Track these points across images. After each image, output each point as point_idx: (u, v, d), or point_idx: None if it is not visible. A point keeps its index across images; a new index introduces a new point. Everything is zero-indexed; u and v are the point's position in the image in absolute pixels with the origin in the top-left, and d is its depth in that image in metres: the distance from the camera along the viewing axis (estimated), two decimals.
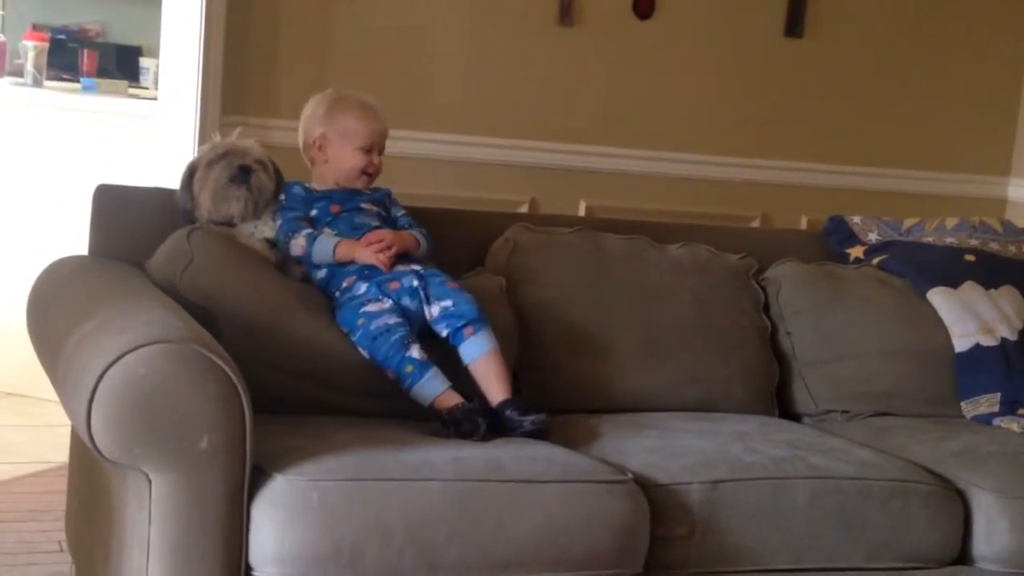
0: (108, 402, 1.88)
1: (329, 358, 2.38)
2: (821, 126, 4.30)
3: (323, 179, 2.67)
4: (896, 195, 4.31)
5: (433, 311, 2.45)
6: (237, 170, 2.55)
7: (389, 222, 2.64)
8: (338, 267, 2.52)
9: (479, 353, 2.41)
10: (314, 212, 2.60)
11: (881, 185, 4.33)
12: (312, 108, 2.70)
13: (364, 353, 2.40)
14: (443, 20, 3.92)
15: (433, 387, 2.35)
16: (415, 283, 2.48)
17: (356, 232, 2.57)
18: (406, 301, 2.46)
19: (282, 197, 2.61)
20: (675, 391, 2.73)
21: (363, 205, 2.63)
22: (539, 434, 2.32)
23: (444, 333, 2.44)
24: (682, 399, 2.72)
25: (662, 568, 2.21)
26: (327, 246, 2.52)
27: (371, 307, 2.43)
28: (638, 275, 2.84)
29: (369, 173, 2.67)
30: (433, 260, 2.63)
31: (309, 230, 2.54)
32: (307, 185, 2.64)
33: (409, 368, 2.35)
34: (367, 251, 2.51)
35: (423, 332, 2.46)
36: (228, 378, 1.93)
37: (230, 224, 2.56)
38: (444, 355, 2.42)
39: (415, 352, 2.37)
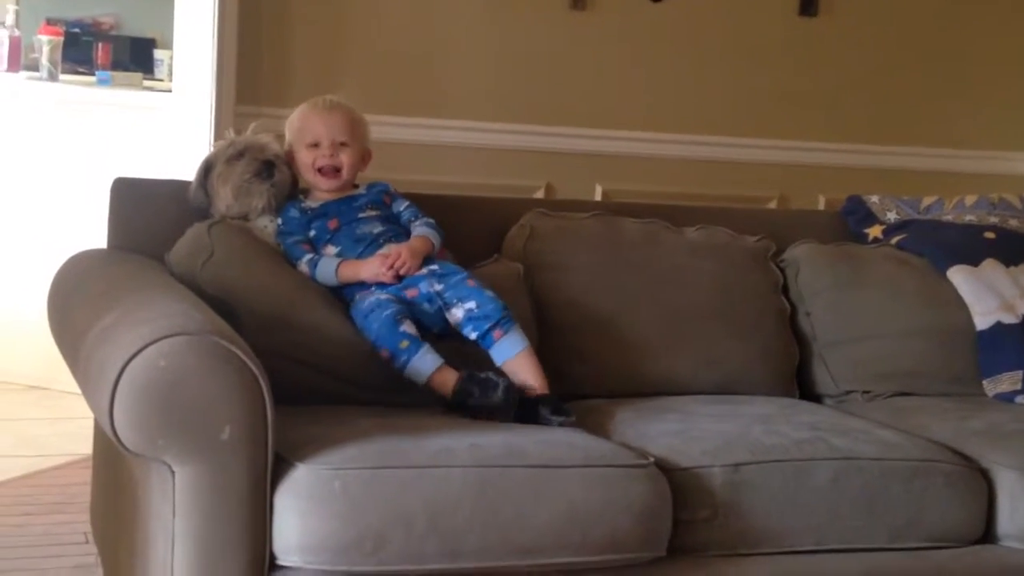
0: (130, 395, 1.88)
1: (346, 350, 2.38)
2: (837, 105, 4.28)
3: (315, 193, 2.62)
4: (914, 173, 4.29)
5: (457, 314, 2.43)
6: (262, 165, 2.57)
7: (391, 220, 2.60)
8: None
9: (511, 354, 2.40)
10: (312, 232, 2.55)
11: (899, 163, 4.31)
12: (287, 125, 2.65)
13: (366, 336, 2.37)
14: (456, 6, 3.91)
15: (428, 363, 2.32)
16: (433, 288, 2.45)
17: (359, 244, 2.52)
18: (426, 307, 2.45)
19: (279, 222, 2.56)
20: (695, 374, 2.72)
21: (361, 214, 2.57)
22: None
23: (472, 336, 2.41)
24: (702, 382, 2.72)
25: (685, 551, 2.20)
26: (329, 270, 2.48)
27: (369, 293, 2.42)
28: (655, 259, 2.83)
29: (321, 170, 2.56)
30: (449, 249, 2.63)
31: (310, 255, 2.51)
32: (302, 204, 2.59)
33: (404, 343, 2.32)
34: (371, 269, 2.45)
35: (443, 335, 2.45)
36: (248, 369, 1.94)
37: (244, 218, 2.57)
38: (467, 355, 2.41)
39: (407, 327, 2.34)
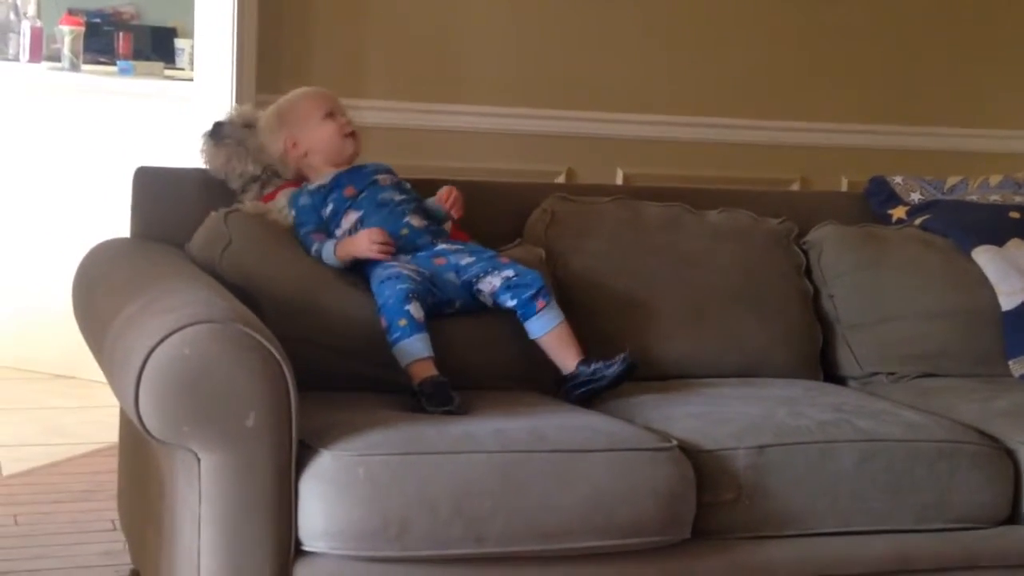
0: (155, 382, 1.90)
1: (368, 333, 2.38)
2: (860, 86, 4.24)
3: (319, 173, 2.59)
4: (938, 153, 4.25)
5: (494, 282, 2.43)
6: (213, 126, 2.64)
7: (408, 191, 2.57)
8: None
9: (551, 326, 2.41)
10: (330, 207, 2.53)
11: (922, 144, 4.28)
12: (266, 125, 2.62)
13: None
14: None
15: (416, 349, 2.31)
16: (463, 261, 2.46)
17: (382, 208, 2.52)
18: (451, 276, 2.46)
19: (293, 213, 2.55)
20: (718, 357, 2.72)
21: (377, 177, 2.56)
22: (631, 371, 2.35)
23: (510, 303, 2.41)
24: (725, 365, 2.71)
25: (709, 534, 2.21)
26: (329, 251, 2.48)
27: (394, 261, 2.43)
28: (678, 242, 2.83)
29: (349, 134, 2.59)
30: (471, 234, 2.63)
31: (317, 244, 2.50)
32: (310, 188, 2.56)
33: (402, 322, 2.32)
34: (362, 245, 2.44)
35: (467, 308, 2.45)
36: (272, 356, 1.95)
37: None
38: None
39: (413, 309, 2.34)
